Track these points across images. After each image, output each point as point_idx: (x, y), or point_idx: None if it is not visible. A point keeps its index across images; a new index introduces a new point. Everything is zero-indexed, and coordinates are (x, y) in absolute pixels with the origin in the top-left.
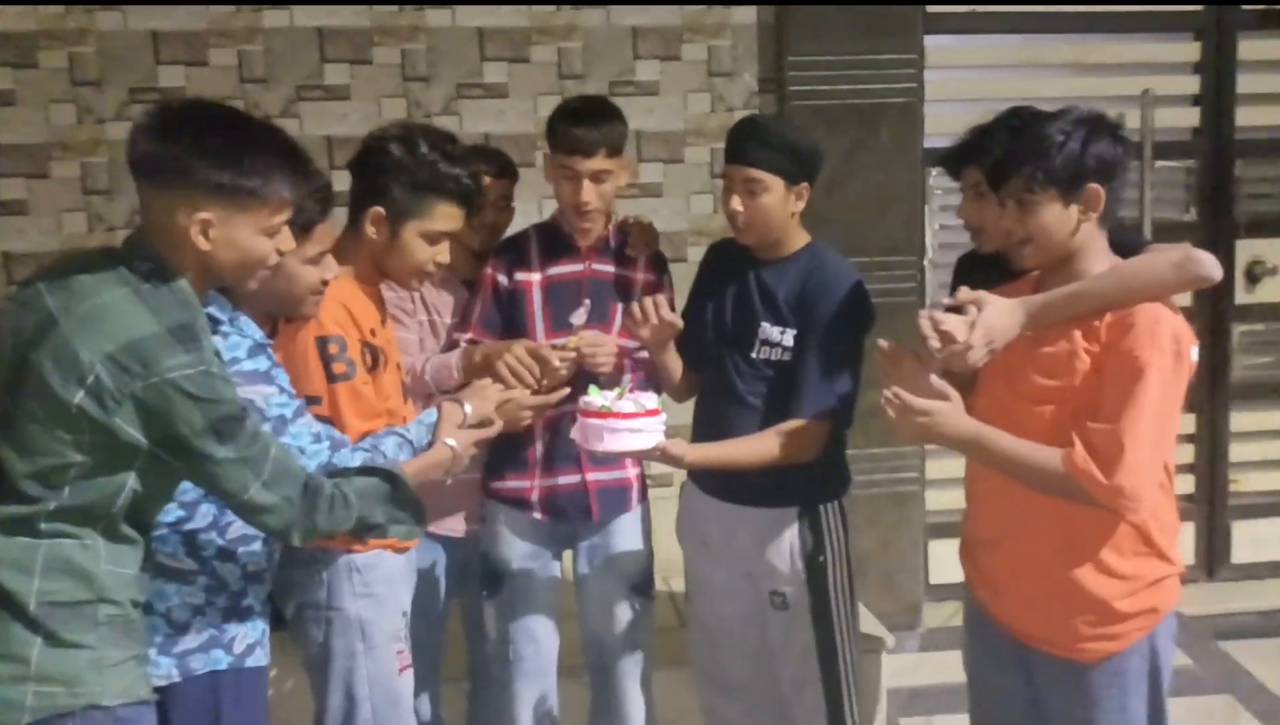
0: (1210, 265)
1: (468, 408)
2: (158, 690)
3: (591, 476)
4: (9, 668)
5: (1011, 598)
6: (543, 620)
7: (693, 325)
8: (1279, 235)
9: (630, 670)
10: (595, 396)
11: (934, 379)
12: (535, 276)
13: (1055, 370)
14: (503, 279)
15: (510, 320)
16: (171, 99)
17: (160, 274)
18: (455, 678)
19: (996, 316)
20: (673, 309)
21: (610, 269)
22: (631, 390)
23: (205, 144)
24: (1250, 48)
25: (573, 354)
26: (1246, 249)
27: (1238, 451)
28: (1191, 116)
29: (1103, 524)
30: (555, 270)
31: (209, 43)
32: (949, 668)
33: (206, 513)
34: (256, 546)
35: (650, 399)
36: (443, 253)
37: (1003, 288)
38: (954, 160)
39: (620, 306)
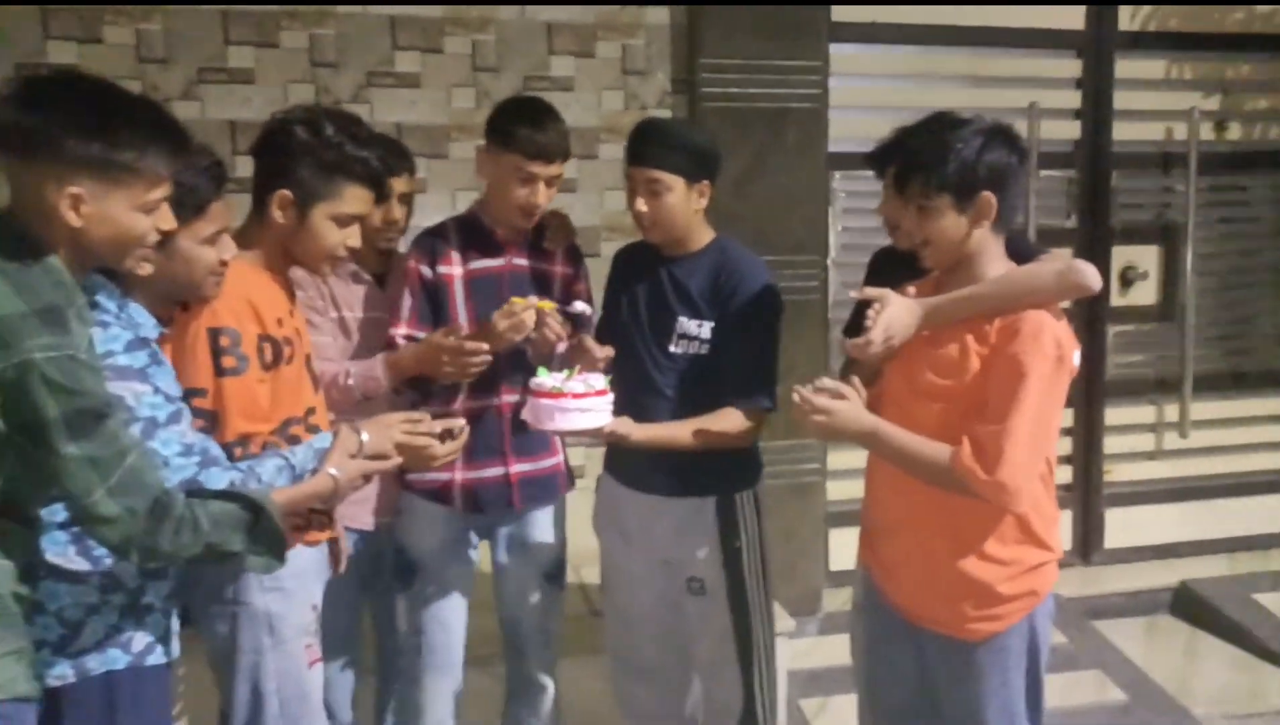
0: (1091, 276)
1: (364, 437)
2: (53, 691)
3: (515, 468)
4: None
5: (904, 581)
6: (456, 611)
7: (607, 325)
8: (1150, 242)
9: (544, 656)
10: (545, 377)
11: (826, 381)
12: (457, 271)
13: (947, 370)
14: (426, 271)
15: (433, 313)
16: (40, 69)
17: (30, 252)
18: (362, 672)
19: (896, 314)
20: (589, 300)
21: (529, 263)
22: (580, 372)
23: (75, 116)
24: (1126, 66)
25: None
26: (1121, 255)
27: (1111, 444)
28: (1073, 130)
29: (987, 515)
30: (477, 264)
31: (104, 20)
32: (846, 650)
33: None
34: None
35: (599, 380)
36: (353, 236)
37: (905, 286)
38: (877, 160)
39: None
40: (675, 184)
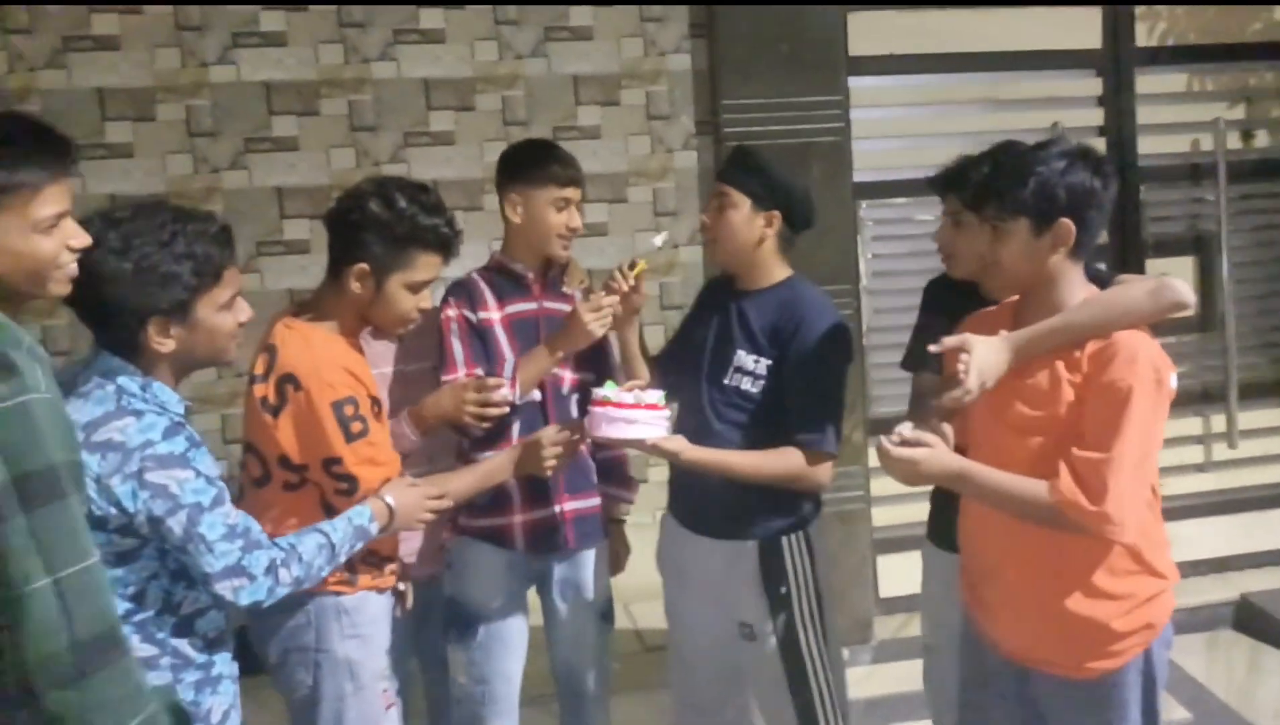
0: (1184, 292)
1: (389, 500)
2: None
3: (568, 506)
4: None
5: (1009, 622)
6: (517, 660)
7: (674, 350)
8: (1184, 254)
9: (599, 694)
10: (605, 388)
11: (907, 429)
12: (496, 315)
13: (1038, 401)
14: (469, 315)
15: (481, 357)
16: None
17: None
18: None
19: (985, 356)
20: (608, 338)
21: (558, 306)
22: (640, 387)
23: None
24: (1147, 81)
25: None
26: (1155, 267)
27: (1158, 457)
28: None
29: (1093, 548)
30: (513, 308)
31: (156, 98)
32: (901, 678)
33: (155, 598)
34: (213, 614)
35: (652, 395)
36: (425, 300)
37: (980, 315)
38: (939, 186)
39: None
40: (741, 203)
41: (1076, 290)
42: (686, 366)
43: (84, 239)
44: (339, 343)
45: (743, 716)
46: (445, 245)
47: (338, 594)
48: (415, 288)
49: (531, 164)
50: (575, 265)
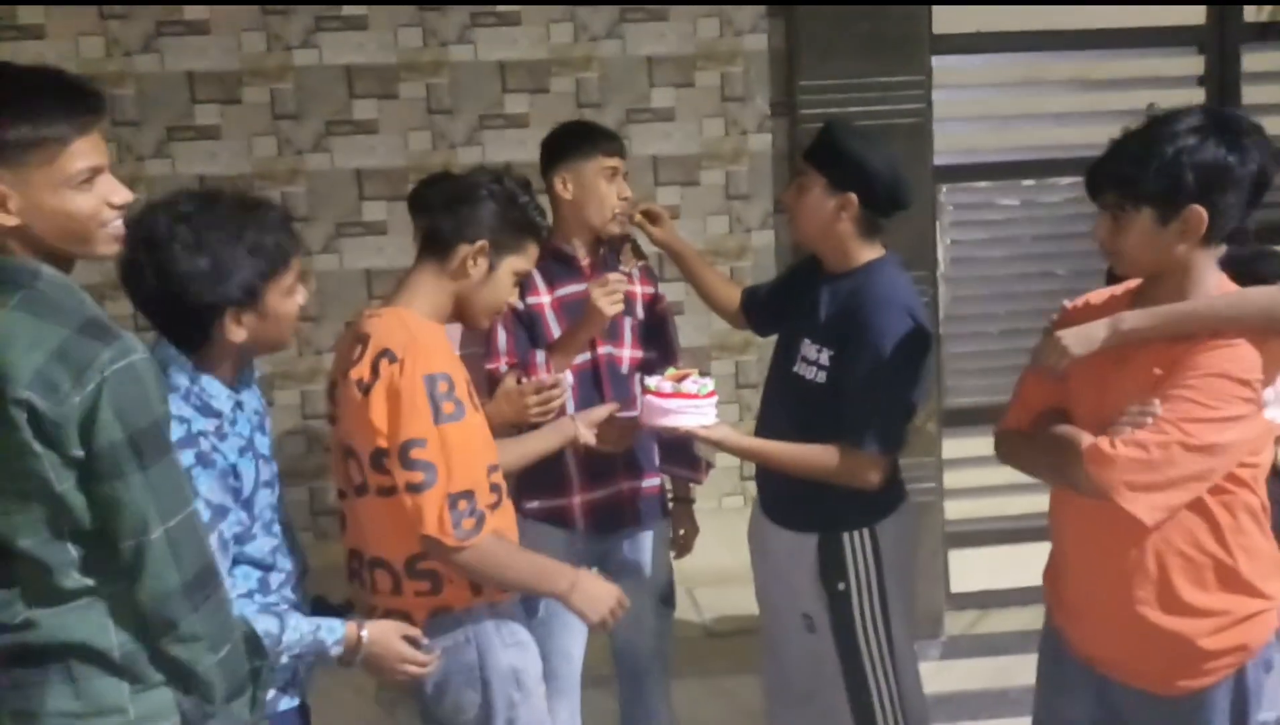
0: None
1: (364, 634)
2: None
3: (627, 485)
4: (109, 720)
5: (1089, 628)
6: (578, 639)
7: (771, 297)
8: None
9: (659, 677)
10: (654, 379)
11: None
12: (546, 298)
13: (1127, 390)
14: (518, 303)
15: (528, 339)
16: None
17: (22, 276)
18: None
19: (1082, 329)
20: (670, 318)
21: None
22: (687, 376)
23: None
24: (1253, 60)
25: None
26: None
27: None
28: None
29: (1185, 557)
30: (564, 291)
31: (242, 81)
32: (971, 675)
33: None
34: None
35: (694, 383)
36: (516, 292)
37: (1098, 297)
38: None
39: (627, 321)
40: (815, 183)
41: (1207, 281)
42: (777, 353)
43: (124, 194)
44: (436, 326)
45: (832, 711)
46: (542, 241)
47: (493, 603)
48: (519, 276)
49: (575, 140)
50: (634, 243)
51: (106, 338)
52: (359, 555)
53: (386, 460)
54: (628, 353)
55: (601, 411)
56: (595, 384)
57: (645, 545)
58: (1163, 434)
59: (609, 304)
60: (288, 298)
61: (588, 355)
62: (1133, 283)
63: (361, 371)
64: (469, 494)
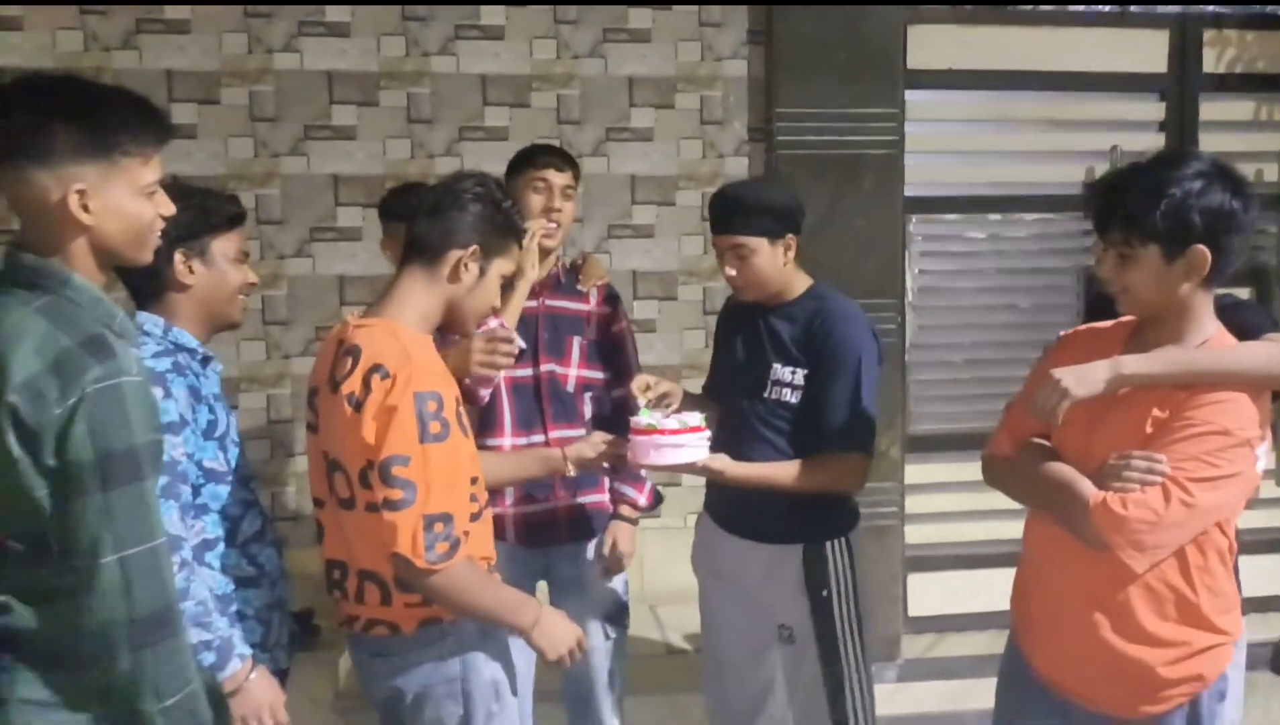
0: None
1: (253, 675)
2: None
3: (564, 500)
4: (74, 716)
5: (1055, 651)
6: (525, 654)
7: (715, 374)
8: (1238, 285)
9: (605, 697)
10: (644, 416)
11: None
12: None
13: (1123, 435)
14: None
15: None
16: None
17: (53, 280)
18: None
19: (1082, 370)
20: (631, 338)
21: (563, 304)
22: (676, 411)
23: (59, 108)
24: (1211, 109)
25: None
26: None
27: None
28: None
29: (1149, 588)
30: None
31: (221, 82)
32: (927, 698)
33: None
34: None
35: (694, 417)
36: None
37: (1090, 331)
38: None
39: (575, 339)
40: (759, 245)
41: (1204, 323)
42: (727, 387)
43: (171, 208)
44: (425, 337)
45: (780, 720)
46: (521, 244)
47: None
48: (505, 278)
49: (516, 158)
50: (594, 262)
51: (100, 355)
52: (341, 565)
53: (371, 475)
54: (574, 372)
55: (590, 451)
56: (536, 399)
57: (586, 561)
58: (1169, 496)
59: (480, 362)
60: (234, 262)
61: (529, 371)
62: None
63: (353, 386)
64: (446, 518)
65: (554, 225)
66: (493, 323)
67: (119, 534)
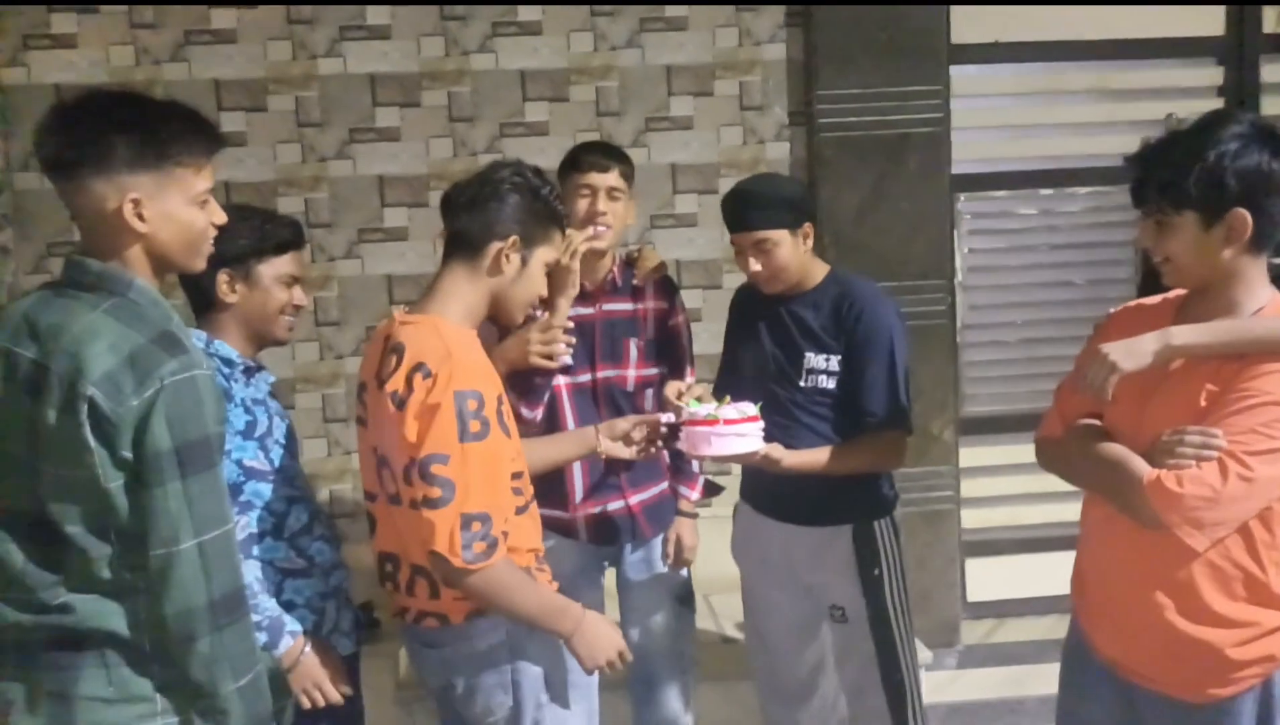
0: None
1: (307, 650)
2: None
3: (634, 499)
4: (137, 708)
5: (1117, 633)
6: None
7: (732, 365)
8: None
9: (673, 681)
10: (698, 407)
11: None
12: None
13: (1174, 409)
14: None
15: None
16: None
17: (117, 284)
18: None
19: (1131, 343)
20: (688, 331)
21: (620, 307)
22: (730, 401)
23: (115, 120)
24: (1273, 70)
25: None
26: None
27: None
28: None
29: (1214, 568)
30: (570, 314)
31: (268, 89)
32: (987, 684)
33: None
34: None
35: (750, 407)
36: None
37: (1137, 307)
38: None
39: (632, 342)
40: (781, 238)
41: (1256, 290)
42: (749, 379)
43: (222, 217)
44: (469, 335)
45: (830, 705)
46: (563, 230)
47: None
48: (549, 266)
49: (571, 154)
50: (649, 254)
51: (175, 350)
52: (393, 558)
53: (413, 473)
54: (633, 372)
55: (624, 423)
56: (594, 404)
57: (659, 545)
58: (1226, 471)
59: (537, 352)
60: (280, 283)
61: (587, 377)
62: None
63: (397, 384)
64: (484, 517)
65: (603, 228)
66: (539, 315)
67: (198, 519)
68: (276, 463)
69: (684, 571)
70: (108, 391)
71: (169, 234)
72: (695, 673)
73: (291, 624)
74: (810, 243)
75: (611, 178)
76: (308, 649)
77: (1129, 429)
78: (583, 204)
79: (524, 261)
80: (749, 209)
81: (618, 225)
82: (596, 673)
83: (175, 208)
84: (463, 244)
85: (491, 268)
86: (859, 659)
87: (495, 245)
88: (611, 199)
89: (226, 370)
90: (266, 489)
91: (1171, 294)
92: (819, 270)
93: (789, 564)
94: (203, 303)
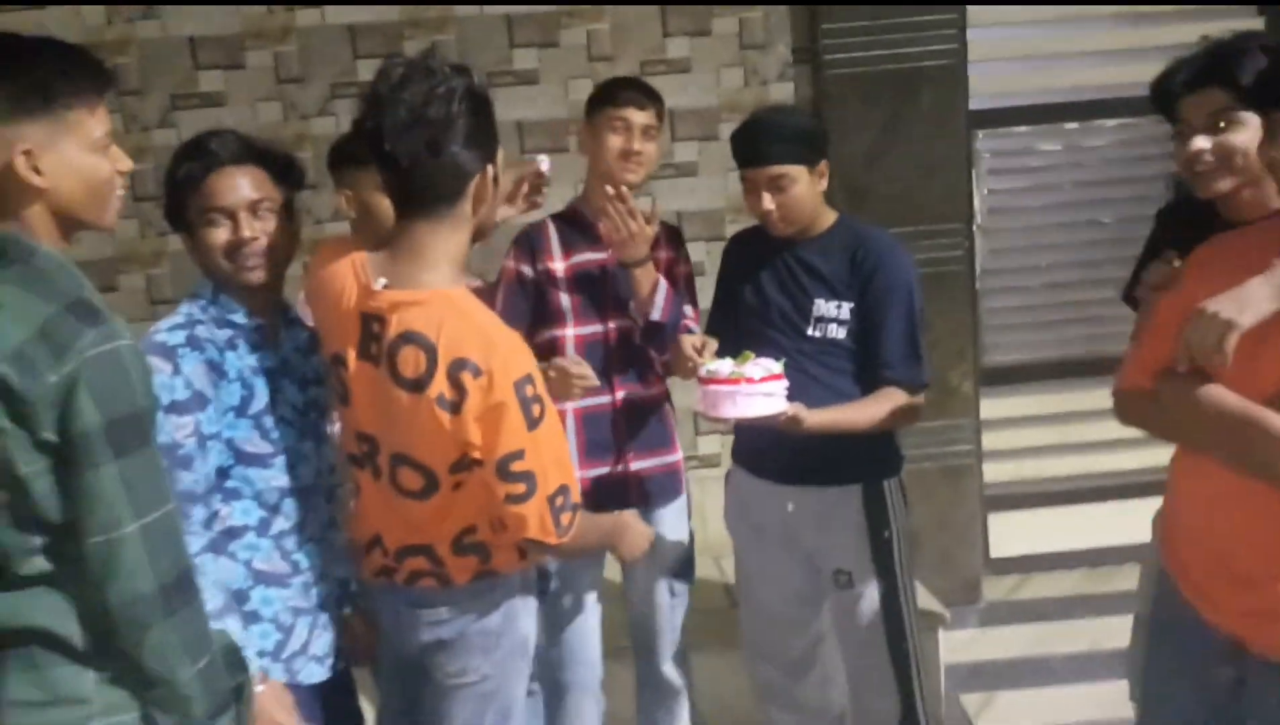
0: None
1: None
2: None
3: (635, 465)
4: (71, 711)
5: (1222, 598)
6: (592, 615)
7: (727, 314)
8: None
9: (674, 654)
10: (718, 364)
11: None
12: (560, 266)
13: None
14: (526, 270)
15: (537, 310)
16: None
17: (19, 251)
18: None
19: (1250, 290)
20: (691, 281)
21: None
22: (754, 358)
23: None
24: None
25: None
26: None
27: None
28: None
29: None
30: (579, 258)
31: (244, 45)
32: (1010, 642)
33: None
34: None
35: (774, 364)
36: None
37: (1224, 240)
38: (1166, 96)
39: None
40: (799, 174)
41: None
42: (752, 327)
43: (128, 163)
44: (472, 296)
45: (830, 671)
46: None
47: (525, 571)
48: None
49: (597, 93)
50: (653, 208)
51: (93, 320)
52: (378, 538)
53: (479, 468)
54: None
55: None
56: (605, 355)
57: (658, 519)
58: None
59: (575, 387)
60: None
61: (599, 327)
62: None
63: (440, 387)
64: (564, 489)
65: (631, 176)
66: (544, 165)
67: (138, 501)
68: (280, 443)
69: (685, 541)
70: (20, 368)
71: (71, 186)
72: (690, 640)
73: (252, 654)
74: (825, 183)
75: (648, 116)
76: (260, 688)
77: (1237, 380)
78: (616, 140)
79: (496, 180)
80: (765, 141)
81: (649, 165)
82: (597, 639)
83: (73, 156)
84: (435, 197)
85: (475, 205)
86: (865, 626)
87: (473, 184)
88: (646, 138)
89: (222, 333)
90: (259, 475)
91: (1266, 221)
92: (828, 215)
93: (790, 530)
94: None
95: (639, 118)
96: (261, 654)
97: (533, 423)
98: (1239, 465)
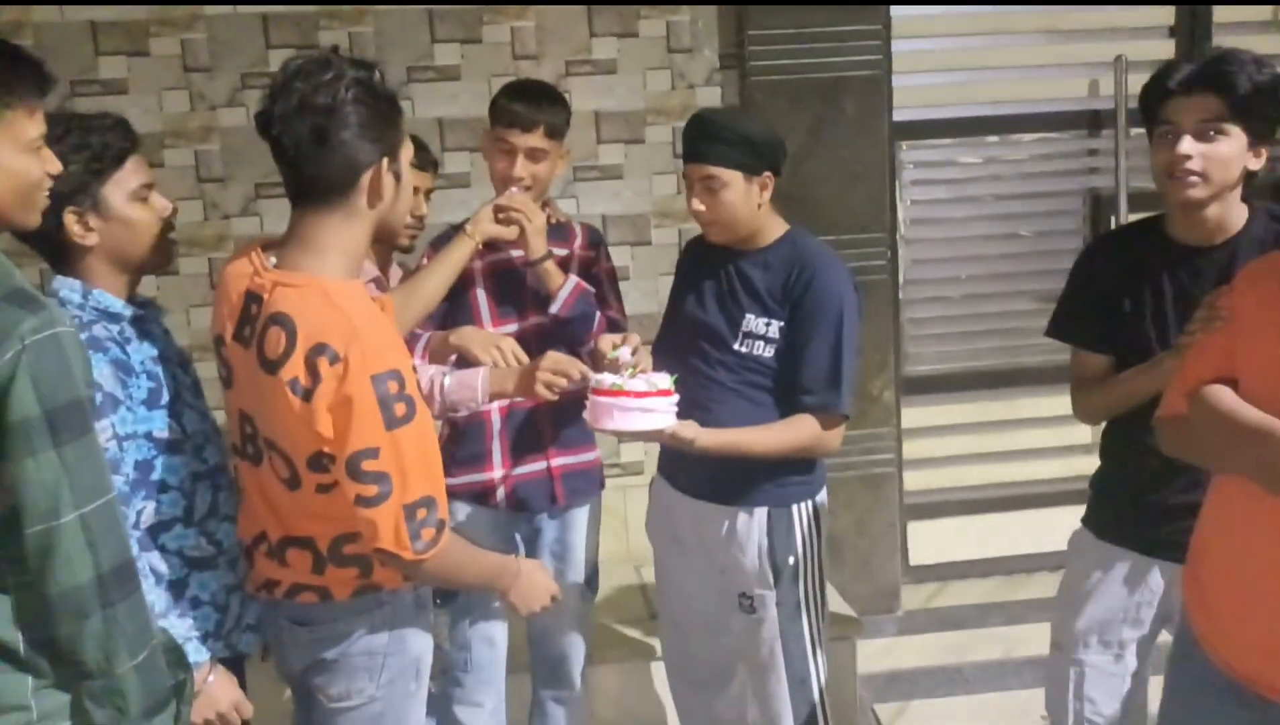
0: None
1: (211, 678)
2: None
3: (556, 462)
4: (10, 718)
5: (1248, 640)
6: (500, 624)
7: (671, 319)
8: (1265, 200)
9: (576, 661)
10: (606, 375)
11: None
12: (477, 263)
13: None
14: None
15: (453, 308)
16: None
17: None
18: None
19: None
20: (613, 281)
21: (549, 249)
22: (643, 371)
23: None
24: (1224, 10)
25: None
26: None
27: None
28: None
29: None
30: (496, 256)
31: (149, 31)
32: (927, 651)
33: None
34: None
35: (663, 379)
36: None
37: (1269, 262)
38: (1154, 101)
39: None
40: (732, 179)
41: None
42: (687, 336)
43: (58, 165)
44: (364, 294)
45: (747, 694)
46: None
47: (418, 586)
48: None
49: (495, 98)
50: (552, 206)
51: (30, 306)
52: (260, 531)
53: (331, 465)
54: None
55: (569, 366)
56: (526, 353)
57: (575, 526)
58: None
59: (545, 383)
60: (134, 200)
61: (515, 325)
62: None
63: (296, 371)
64: (428, 502)
65: (524, 189)
66: (514, 190)
67: (78, 490)
68: (189, 428)
69: (593, 549)
70: None
71: (1, 186)
72: (589, 651)
73: (195, 652)
74: (767, 196)
75: (533, 138)
76: (211, 678)
77: (1268, 393)
78: (501, 162)
79: (397, 177)
80: (703, 140)
81: (539, 188)
82: (504, 650)
83: (7, 157)
84: (325, 189)
85: (371, 199)
86: (764, 654)
87: (366, 176)
88: (532, 160)
89: (114, 327)
90: (179, 463)
91: None
92: (776, 228)
93: (702, 544)
94: (57, 255)
95: (524, 141)
96: (206, 637)
97: (392, 421)
98: (1261, 479)
